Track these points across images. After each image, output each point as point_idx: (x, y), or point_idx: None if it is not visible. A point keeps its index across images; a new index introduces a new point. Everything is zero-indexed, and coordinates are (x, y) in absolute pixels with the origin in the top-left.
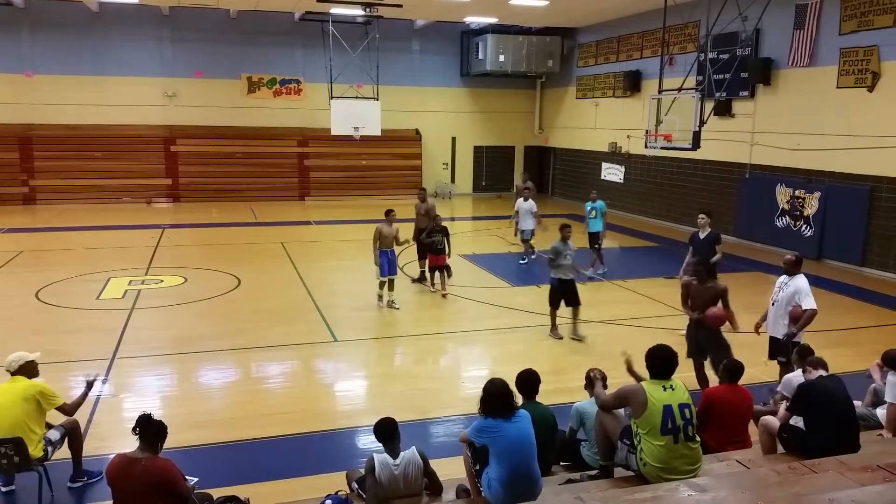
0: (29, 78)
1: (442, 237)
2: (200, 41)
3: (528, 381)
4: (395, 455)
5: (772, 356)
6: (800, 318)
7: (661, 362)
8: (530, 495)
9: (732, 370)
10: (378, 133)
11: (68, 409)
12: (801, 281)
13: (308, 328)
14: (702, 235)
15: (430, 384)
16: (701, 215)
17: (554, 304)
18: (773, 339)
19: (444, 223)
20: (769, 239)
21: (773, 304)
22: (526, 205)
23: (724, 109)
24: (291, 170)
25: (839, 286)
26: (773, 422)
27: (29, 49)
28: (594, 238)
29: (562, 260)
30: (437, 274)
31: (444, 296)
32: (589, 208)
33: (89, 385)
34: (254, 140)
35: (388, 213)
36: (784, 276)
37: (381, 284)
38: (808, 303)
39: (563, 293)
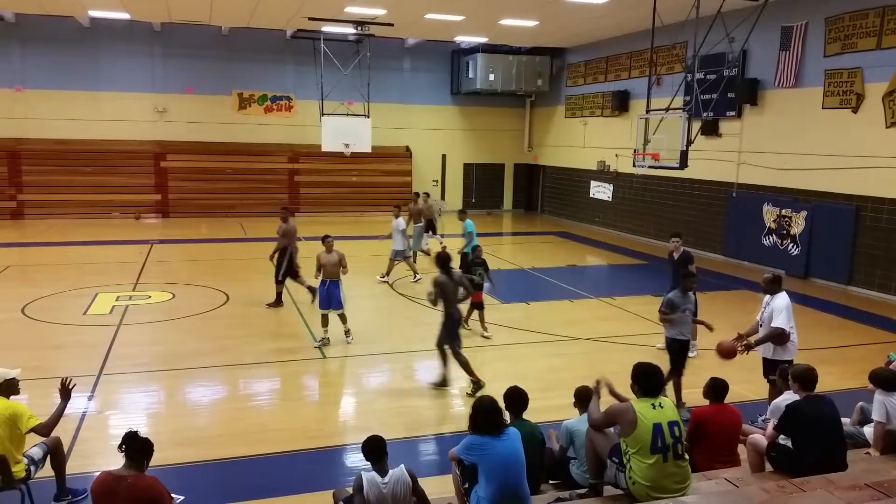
0: (19, 92)
1: (482, 271)
2: (191, 57)
3: (517, 398)
4: (383, 473)
5: (765, 375)
6: (775, 338)
7: (647, 380)
8: None
9: (718, 389)
10: (368, 150)
11: (42, 431)
12: (778, 300)
13: (296, 345)
14: (675, 256)
15: (419, 401)
16: (673, 238)
17: (677, 370)
18: (764, 360)
19: (482, 256)
20: (756, 257)
21: (760, 326)
22: (395, 223)
23: (711, 129)
24: (282, 186)
25: (825, 304)
26: (762, 440)
27: (19, 63)
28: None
29: (678, 315)
30: (474, 312)
31: (486, 337)
32: (471, 228)
33: (66, 393)
34: (244, 156)
35: (325, 239)
36: (768, 295)
37: (322, 318)
38: (778, 321)
39: (681, 355)
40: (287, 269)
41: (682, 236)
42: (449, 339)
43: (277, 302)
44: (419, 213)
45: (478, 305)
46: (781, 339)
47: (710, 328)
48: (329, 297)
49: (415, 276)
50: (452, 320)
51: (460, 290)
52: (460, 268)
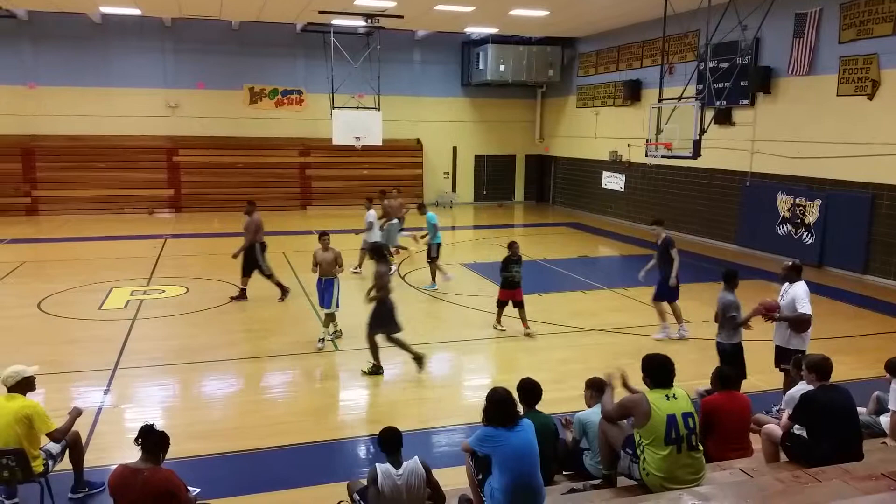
0: (32, 89)
1: (519, 268)
2: (202, 52)
3: (530, 390)
4: (397, 465)
5: (777, 364)
6: (799, 325)
7: (660, 371)
8: None
9: (725, 378)
10: (379, 143)
11: (57, 437)
12: (798, 288)
13: (309, 338)
14: (658, 242)
15: (432, 393)
16: (651, 226)
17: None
18: (778, 348)
19: (519, 253)
20: (770, 247)
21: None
22: (367, 215)
23: (724, 118)
24: (293, 180)
25: (841, 294)
26: (776, 430)
27: (32, 60)
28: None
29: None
30: (505, 309)
31: (528, 334)
32: (434, 220)
33: (74, 416)
34: (255, 150)
35: (321, 236)
36: (786, 283)
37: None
38: (803, 307)
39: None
40: (252, 263)
41: (664, 223)
42: (383, 326)
43: (241, 296)
44: (397, 207)
45: (518, 304)
46: (803, 327)
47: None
48: (322, 295)
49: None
50: (387, 308)
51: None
52: (428, 260)
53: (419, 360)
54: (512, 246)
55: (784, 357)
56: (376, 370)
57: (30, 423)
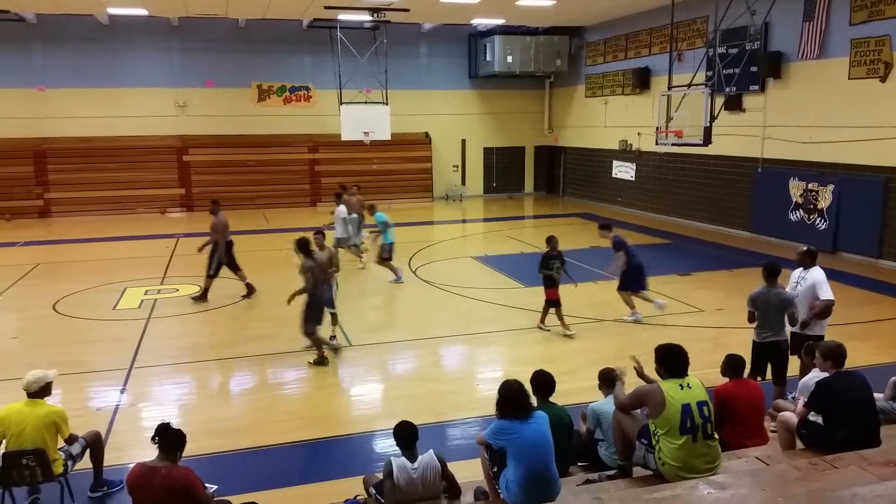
0: (42, 92)
1: (559, 264)
2: (210, 51)
3: (543, 382)
4: (413, 459)
5: (794, 351)
6: (820, 311)
7: (674, 360)
8: (548, 496)
9: (735, 365)
10: (388, 137)
11: (70, 441)
12: (817, 273)
13: (323, 333)
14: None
15: (446, 386)
16: (599, 231)
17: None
18: (794, 335)
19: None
20: (783, 233)
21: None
22: (337, 210)
23: (734, 104)
24: (303, 176)
25: (855, 279)
26: (792, 418)
27: (41, 63)
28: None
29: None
30: (549, 310)
31: (569, 335)
32: (384, 218)
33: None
34: (265, 148)
35: (316, 234)
36: (800, 269)
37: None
38: (826, 294)
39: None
40: (219, 263)
41: (611, 227)
42: (314, 319)
43: (203, 297)
44: (356, 204)
45: (554, 303)
46: (828, 313)
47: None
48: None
49: (360, 262)
50: (319, 301)
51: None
52: (378, 260)
53: (335, 350)
54: (551, 241)
55: (801, 344)
56: (321, 361)
57: (56, 429)
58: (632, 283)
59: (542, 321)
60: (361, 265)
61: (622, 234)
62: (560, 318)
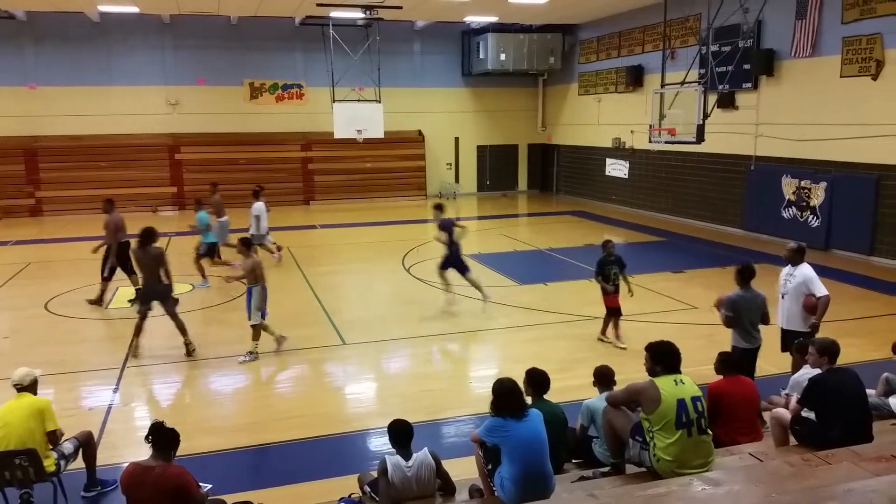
0: (33, 90)
1: (617, 269)
2: (202, 48)
3: (538, 379)
4: (407, 457)
5: (784, 348)
6: (816, 308)
7: (667, 356)
8: (543, 493)
9: (728, 362)
10: (381, 135)
11: (52, 440)
12: (806, 269)
13: (317, 332)
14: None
15: (440, 385)
16: (433, 211)
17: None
18: (784, 332)
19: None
20: (776, 230)
21: (782, 297)
22: (254, 206)
23: (727, 102)
24: (295, 174)
25: (848, 276)
26: (785, 414)
27: (32, 61)
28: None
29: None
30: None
31: (622, 347)
32: (206, 219)
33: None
34: (257, 146)
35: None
36: (788, 266)
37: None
38: (820, 289)
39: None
40: (112, 265)
41: (443, 208)
42: (147, 301)
43: (98, 301)
44: (219, 205)
45: (613, 311)
46: (825, 309)
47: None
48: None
49: (276, 257)
50: (150, 290)
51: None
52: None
53: (188, 350)
54: (606, 245)
55: (794, 340)
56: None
57: (42, 418)
58: (454, 263)
59: (604, 333)
60: (277, 259)
61: (615, 231)
62: (616, 327)
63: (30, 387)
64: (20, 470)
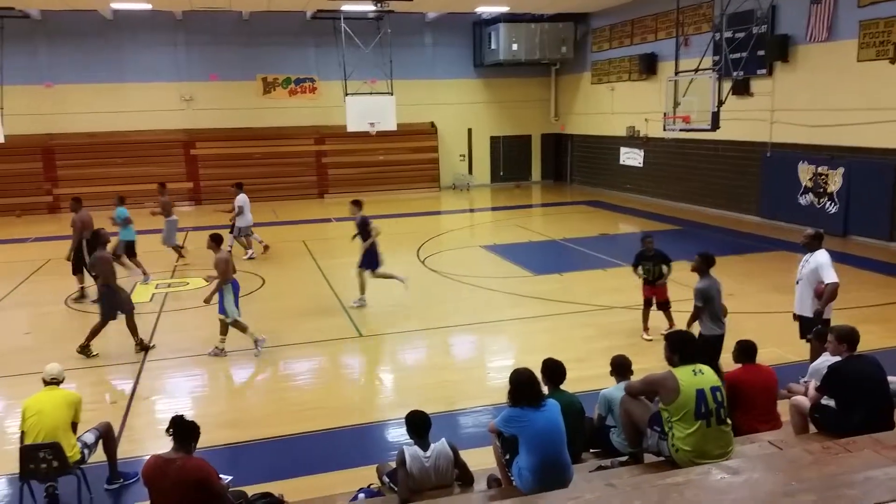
0: (49, 88)
1: (651, 266)
2: (214, 44)
3: (554, 369)
4: (425, 447)
5: (802, 335)
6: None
7: (687, 346)
8: (561, 483)
9: (746, 350)
10: (394, 128)
11: (74, 430)
12: (820, 256)
13: (333, 324)
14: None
15: (457, 375)
16: (350, 206)
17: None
18: (802, 318)
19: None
20: (793, 217)
21: (798, 283)
22: (238, 198)
23: (742, 88)
24: (310, 168)
25: (866, 262)
26: (804, 401)
27: (47, 60)
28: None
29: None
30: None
31: (646, 339)
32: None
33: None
34: (271, 140)
35: (212, 238)
36: (807, 252)
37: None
38: (829, 276)
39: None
40: (80, 261)
41: (361, 204)
42: (111, 309)
43: (81, 296)
44: (167, 205)
45: (646, 302)
46: (833, 296)
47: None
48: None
49: (247, 253)
50: (111, 292)
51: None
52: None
53: (142, 347)
54: (644, 241)
55: (810, 326)
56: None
57: (74, 409)
58: (370, 261)
59: (645, 328)
60: (249, 256)
61: (630, 221)
62: (645, 318)
63: (56, 381)
64: (45, 463)
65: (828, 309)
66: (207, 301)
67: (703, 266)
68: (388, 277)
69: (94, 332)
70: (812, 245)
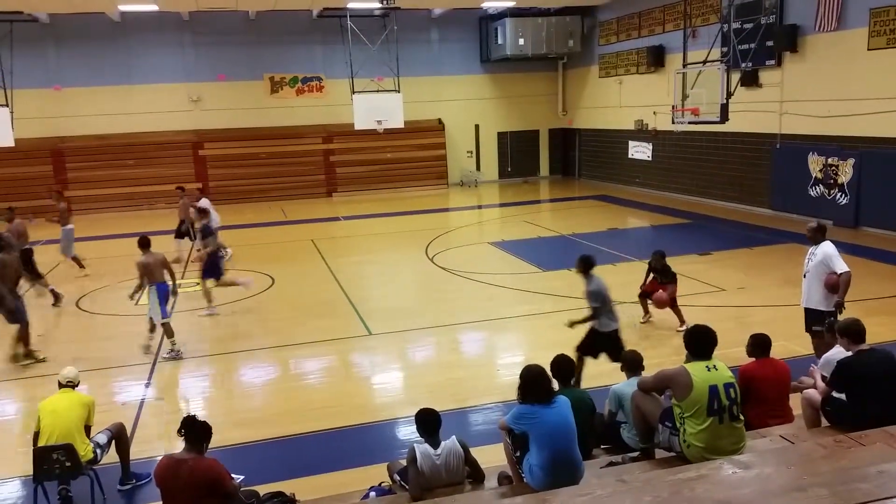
0: (58, 91)
1: (653, 278)
2: (221, 44)
3: (564, 366)
4: (435, 445)
5: (807, 328)
6: (838, 286)
7: (699, 342)
8: (572, 479)
9: (760, 344)
10: (401, 125)
11: (87, 433)
12: (827, 247)
13: (343, 323)
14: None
15: (466, 372)
16: (195, 214)
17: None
18: (807, 311)
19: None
20: (803, 209)
21: (804, 276)
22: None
23: (750, 80)
24: (318, 167)
25: (878, 253)
26: (816, 395)
27: (56, 63)
28: None
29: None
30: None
31: (642, 322)
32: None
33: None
34: (279, 139)
35: (140, 242)
36: (812, 245)
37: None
38: (841, 266)
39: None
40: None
41: (206, 213)
42: (10, 315)
43: (57, 300)
44: (64, 212)
45: (646, 295)
46: (847, 286)
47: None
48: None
49: (224, 252)
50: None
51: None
52: None
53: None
54: (654, 254)
55: (816, 319)
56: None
57: (87, 412)
58: (212, 271)
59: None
60: (226, 255)
61: (639, 215)
62: (646, 310)
63: (71, 384)
64: (58, 465)
65: (832, 300)
66: (131, 296)
67: (586, 269)
68: (232, 285)
69: (22, 337)
70: (816, 238)
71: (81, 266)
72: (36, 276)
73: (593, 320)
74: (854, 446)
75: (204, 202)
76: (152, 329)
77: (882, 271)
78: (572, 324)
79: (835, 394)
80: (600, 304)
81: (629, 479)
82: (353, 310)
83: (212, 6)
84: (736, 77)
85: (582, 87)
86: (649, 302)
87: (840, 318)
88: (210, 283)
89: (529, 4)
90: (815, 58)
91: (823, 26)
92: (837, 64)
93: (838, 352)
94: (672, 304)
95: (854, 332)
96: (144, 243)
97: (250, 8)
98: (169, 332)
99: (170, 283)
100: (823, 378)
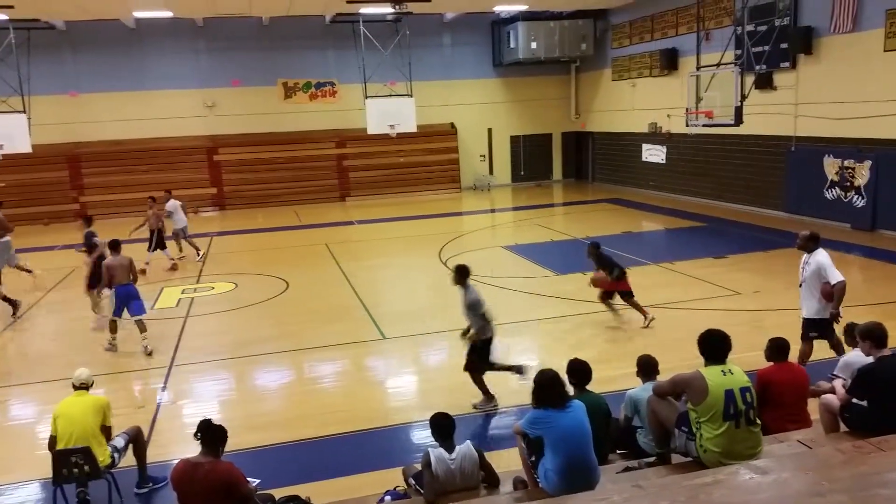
0: (74, 97)
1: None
2: (235, 50)
3: (579, 370)
4: (450, 450)
5: (804, 337)
6: (831, 296)
7: (713, 346)
8: (588, 484)
9: (778, 348)
10: (414, 129)
11: (108, 435)
12: (820, 256)
13: (357, 327)
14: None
15: None
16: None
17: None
18: (803, 320)
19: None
20: (819, 212)
21: (800, 285)
22: (169, 204)
23: (765, 82)
24: (331, 171)
25: (895, 256)
26: (834, 400)
27: (72, 69)
28: None
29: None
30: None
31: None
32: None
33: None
34: (293, 144)
35: (111, 244)
36: (805, 254)
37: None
38: (834, 276)
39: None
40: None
41: (90, 221)
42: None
43: (14, 307)
44: (2, 223)
45: (626, 295)
46: (842, 295)
47: None
48: (127, 302)
49: (198, 254)
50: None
51: None
52: None
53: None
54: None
55: (814, 327)
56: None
57: (103, 414)
58: (97, 281)
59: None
60: (199, 257)
61: (653, 218)
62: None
63: (85, 386)
64: (76, 468)
65: (830, 307)
66: (98, 293)
67: (462, 279)
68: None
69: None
70: (808, 247)
71: (29, 271)
72: None
73: (481, 329)
74: (874, 452)
75: (170, 204)
76: (142, 329)
77: None
78: (470, 338)
79: (855, 400)
80: (482, 310)
81: (645, 484)
82: (367, 314)
83: (225, 12)
84: (750, 79)
85: (595, 91)
86: (611, 300)
87: (836, 327)
88: (95, 293)
89: (542, 8)
90: (831, 59)
91: (839, 28)
92: (853, 65)
93: (857, 355)
94: (626, 297)
95: (877, 336)
96: (114, 246)
97: (264, 14)
98: (142, 327)
99: (133, 285)
100: (834, 378)
